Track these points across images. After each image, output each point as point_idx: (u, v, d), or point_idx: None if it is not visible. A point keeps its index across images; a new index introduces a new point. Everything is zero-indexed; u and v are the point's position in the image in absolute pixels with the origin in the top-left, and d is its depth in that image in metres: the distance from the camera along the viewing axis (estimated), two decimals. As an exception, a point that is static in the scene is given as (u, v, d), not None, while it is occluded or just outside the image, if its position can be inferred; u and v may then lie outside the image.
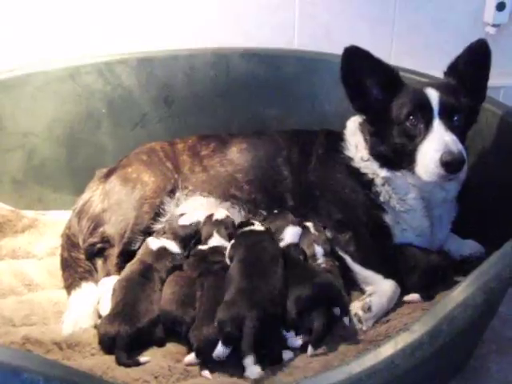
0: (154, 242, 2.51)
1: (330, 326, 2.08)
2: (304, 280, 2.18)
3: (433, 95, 2.34)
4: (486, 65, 2.42)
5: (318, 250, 2.45)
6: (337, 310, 2.12)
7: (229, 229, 2.58)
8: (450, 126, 2.29)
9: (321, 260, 2.42)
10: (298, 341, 2.08)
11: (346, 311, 2.16)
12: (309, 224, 2.57)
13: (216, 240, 2.53)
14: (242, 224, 2.60)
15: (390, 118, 2.42)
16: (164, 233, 2.61)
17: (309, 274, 2.24)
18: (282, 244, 2.48)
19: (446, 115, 2.30)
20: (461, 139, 2.29)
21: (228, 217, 2.64)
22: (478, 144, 2.61)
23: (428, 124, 2.31)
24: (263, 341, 1.97)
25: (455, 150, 2.19)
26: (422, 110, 2.33)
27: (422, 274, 2.34)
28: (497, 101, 2.69)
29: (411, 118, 2.35)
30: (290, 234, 2.51)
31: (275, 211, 2.67)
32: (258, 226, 2.56)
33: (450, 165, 2.19)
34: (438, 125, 2.29)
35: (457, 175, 2.25)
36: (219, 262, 2.41)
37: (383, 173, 2.50)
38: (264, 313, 1.99)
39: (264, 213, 2.71)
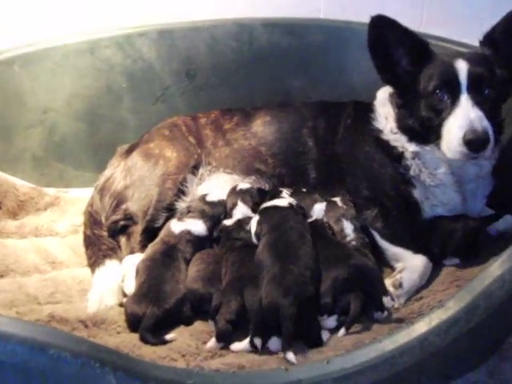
0: (176, 225, 2.51)
1: (364, 306, 2.06)
2: (338, 261, 2.16)
3: (462, 68, 2.26)
4: None
5: (347, 225, 2.44)
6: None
7: (254, 197, 2.60)
8: (479, 100, 2.23)
9: (351, 236, 2.41)
10: (332, 322, 2.06)
11: (384, 292, 2.12)
12: (336, 198, 2.56)
13: (241, 209, 2.54)
14: (269, 193, 2.62)
15: (418, 91, 2.38)
16: (189, 212, 2.61)
17: (343, 255, 2.21)
18: (310, 220, 2.48)
19: (475, 89, 2.24)
20: (491, 114, 2.24)
21: (252, 187, 2.66)
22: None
23: (455, 99, 2.25)
24: (301, 324, 1.96)
25: (479, 128, 2.14)
26: (449, 84, 2.28)
27: (460, 238, 2.33)
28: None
29: (438, 92, 2.30)
30: (318, 211, 2.53)
31: (303, 189, 2.66)
32: (283, 200, 2.54)
33: (472, 143, 2.15)
34: (465, 100, 2.23)
35: (480, 154, 2.20)
36: (241, 239, 2.42)
37: (412, 147, 2.47)
38: (299, 297, 1.98)
39: (289, 188, 2.70)
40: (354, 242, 2.38)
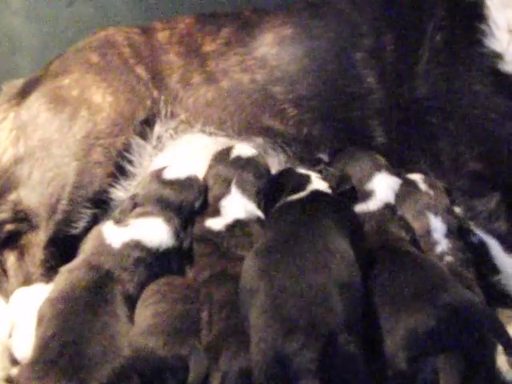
0: (114, 233, 2.20)
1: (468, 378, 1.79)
2: (418, 297, 1.87)
3: None
4: None
5: (437, 224, 2.19)
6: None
7: (261, 177, 2.33)
8: None
9: (442, 245, 2.15)
10: None
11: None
12: (416, 177, 2.36)
13: (236, 200, 2.26)
14: (291, 182, 2.31)
15: None
16: (135, 204, 2.30)
17: (428, 284, 1.92)
18: (372, 206, 2.24)
19: None
20: None
21: (258, 155, 2.42)
22: None
23: None
24: None
25: None
26: None
27: None
28: None
29: None
30: (384, 186, 2.27)
31: (352, 148, 2.46)
32: (319, 182, 2.26)
33: None
34: None
35: None
36: (242, 257, 2.11)
37: None
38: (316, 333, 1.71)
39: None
40: (448, 258, 2.13)
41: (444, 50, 2.45)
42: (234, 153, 2.37)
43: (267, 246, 2.01)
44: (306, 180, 2.29)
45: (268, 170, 2.41)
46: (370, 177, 2.31)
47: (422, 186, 2.30)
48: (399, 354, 1.81)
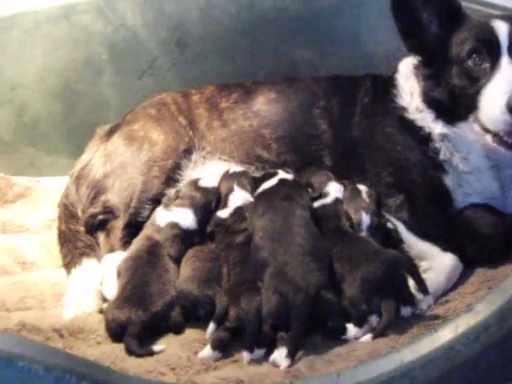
0: (162, 216, 2.52)
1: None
2: (365, 258, 2.18)
3: (501, 28, 2.30)
4: None
5: (365, 219, 2.46)
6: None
7: (249, 180, 2.66)
8: None
9: (364, 233, 2.43)
10: (359, 332, 2.07)
11: (425, 289, 2.13)
12: (361, 187, 2.59)
13: (238, 195, 2.56)
14: (266, 175, 2.65)
15: (449, 57, 2.42)
16: (177, 198, 2.62)
17: (370, 250, 2.25)
18: (328, 200, 2.53)
19: None
20: None
21: (246, 170, 2.70)
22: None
23: (494, 62, 2.29)
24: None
25: None
26: (488, 47, 2.31)
27: (484, 240, 2.36)
28: None
29: (474, 56, 2.33)
30: (334, 189, 2.57)
31: (313, 167, 2.71)
32: (284, 174, 2.63)
33: None
34: (506, 64, 2.26)
35: None
36: (243, 231, 2.44)
37: (439, 128, 2.50)
38: (309, 290, 2.02)
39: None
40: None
41: (370, 107, 2.72)
42: (231, 170, 2.66)
43: (266, 233, 2.28)
44: (275, 173, 2.61)
45: (252, 177, 2.66)
46: (326, 183, 2.57)
47: (363, 194, 2.53)
48: (359, 298, 2.07)
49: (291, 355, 1.92)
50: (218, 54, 3.34)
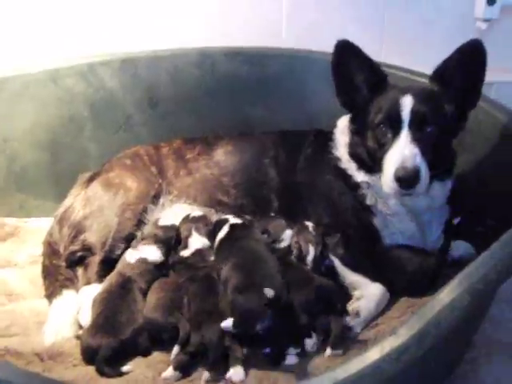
0: (132, 254, 2.50)
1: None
2: (304, 285, 2.21)
3: (406, 104, 2.31)
4: (479, 68, 2.33)
5: (311, 250, 2.45)
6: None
7: (208, 225, 2.60)
8: (420, 137, 2.28)
9: (309, 265, 2.43)
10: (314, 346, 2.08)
11: (346, 312, 2.19)
12: (308, 223, 2.58)
13: (196, 239, 2.53)
14: (219, 223, 2.60)
15: (367, 121, 2.45)
16: (143, 239, 2.60)
17: (307, 278, 2.27)
18: (283, 244, 2.51)
19: (417, 126, 2.29)
20: (434, 151, 2.29)
21: (205, 215, 2.66)
22: (468, 143, 2.62)
23: (396, 134, 2.30)
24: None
25: (410, 165, 2.19)
26: (392, 120, 2.33)
27: (411, 276, 2.35)
28: (489, 98, 2.69)
29: (382, 126, 2.36)
30: (289, 236, 2.54)
31: (271, 214, 2.70)
32: (234, 219, 2.59)
33: (402, 180, 2.20)
34: (404, 136, 2.28)
35: (410, 191, 2.25)
36: (204, 267, 2.41)
37: (360, 176, 2.53)
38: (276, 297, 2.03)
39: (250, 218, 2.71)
40: (310, 266, 2.43)
41: (312, 156, 2.74)
42: (191, 215, 2.63)
43: (234, 263, 2.26)
44: (226, 220, 2.57)
45: (211, 222, 2.63)
46: (282, 231, 2.54)
47: (311, 229, 2.52)
48: (301, 315, 2.09)
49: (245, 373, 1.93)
50: (184, 111, 3.35)
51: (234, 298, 2.07)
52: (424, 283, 2.32)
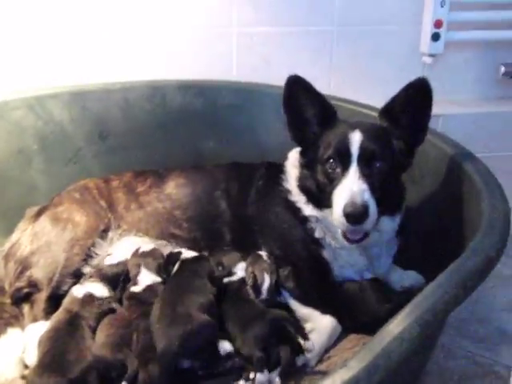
0: (78, 290, 2.45)
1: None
2: (255, 319, 2.19)
3: (355, 140, 2.30)
4: (426, 105, 2.36)
5: (267, 278, 2.43)
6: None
7: (157, 259, 2.55)
8: (368, 173, 2.28)
9: (264, 294, 2.42)
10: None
11: (305, 337, 2.15)
12: (262, 253, 2.57)
13: (145, 276, 2.48)
14: (171, 256, 2.59)
15: (317, 155, 2.45)
16: (90, 276, 2.55)
17: (258, 311, 2.25)
18: (235, 278, 2.49)
19: (365, 162, 2.29)
20: (382, 186, 2.30)
21: (155, 248, 2.61)
22: (417, 175, 2.68)
23: (345, 169, 2.30)
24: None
25: (358, 201, 2.18)
26: (341, 155, 2.33)
27: (361, 317, 2.38)
28: (436, 131, 2.74)
29: (331, 161, 2.37)
30: (243, 268, 2.52)
31: (225, 248, 2.68)
32: (186, 252, 2.58)
33: (350, 216, 2.19)
34: (352, 172, 2.28)
35: (358, 227, 2.25)
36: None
37: (309, 210, 2.53)
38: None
39: (204, 252, 2.69)
40: (265, 296, 2.42)
41: (262, 189, 2.73)
42: (141, 249, 2.57)
43: (163, 296, 2.27)
44: (179, 253, 2.55)
45: (162, 255, 2.58)
46: (235, 264, 2.52)
47: (265, 258, 2.50)
48: (254, 349, 2.05)
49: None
50: (135, 144, 3.33)
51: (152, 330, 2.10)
52: (372, 327, 2.28)
